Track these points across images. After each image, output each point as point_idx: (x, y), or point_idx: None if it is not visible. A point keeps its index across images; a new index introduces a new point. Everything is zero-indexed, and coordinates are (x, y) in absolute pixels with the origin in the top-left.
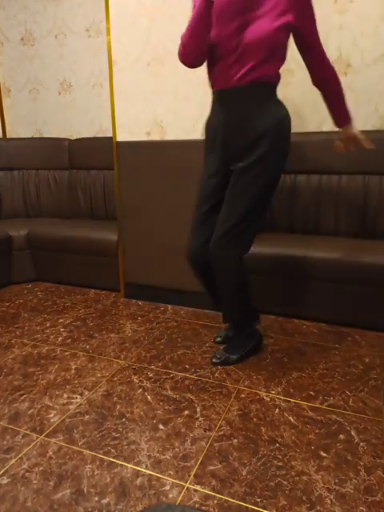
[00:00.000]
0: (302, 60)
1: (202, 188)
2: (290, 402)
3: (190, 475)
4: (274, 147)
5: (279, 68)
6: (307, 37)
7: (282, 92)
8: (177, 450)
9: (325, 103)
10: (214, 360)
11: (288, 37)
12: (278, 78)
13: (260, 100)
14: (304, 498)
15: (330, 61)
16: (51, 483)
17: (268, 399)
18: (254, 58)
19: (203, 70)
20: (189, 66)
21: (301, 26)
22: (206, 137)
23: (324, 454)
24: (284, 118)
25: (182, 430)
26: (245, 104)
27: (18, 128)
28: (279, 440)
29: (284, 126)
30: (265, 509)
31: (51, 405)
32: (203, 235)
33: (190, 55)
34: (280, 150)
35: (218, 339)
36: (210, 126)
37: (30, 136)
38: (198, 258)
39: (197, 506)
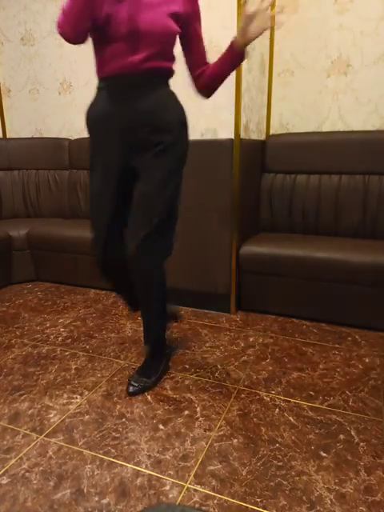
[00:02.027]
0: (301, 60)
1: (100, 185)
2: (289, 402)
3: (189, 475)
4: (183, 139)
5: (173, 63)
6: (195, 32)
7: (282, 92)
8: (177, 449)
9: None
10: (130, 389)
11: (179, 30)
12: (173, 72)
13: (162, 89)
14: (304, 498)
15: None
16: (51, 483)
17: (268, 399)
18: (150, 46)
19: None
20: (69, 41)
21: (192, 19)
22: (94, 127)
23: (324, 454)
24: (184, 111)
25: (182, 430)
26: (147, 92)
27: (18, 128)
28: (279, 440)
29: (186, 118)
30: (265, 509)
31: (51, 405)
32: (116, 236)
33: (71, 27)
34: (187, 141)
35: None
36: (99, 115)
37: (30, 136)
38: (111, 262)
39: (197, 506)
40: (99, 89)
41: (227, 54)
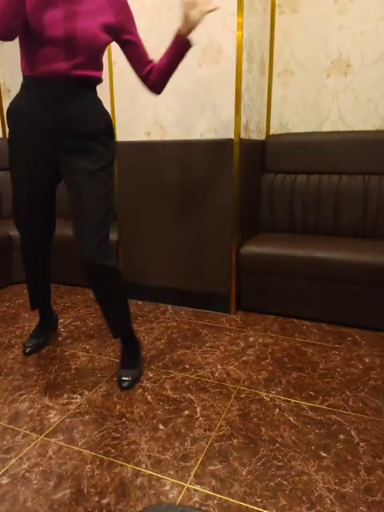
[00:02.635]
0: (301, 60)
1: (25, 179)
2: (290, 401)
3: (189, 475)
4: (108, 146)
5: (101, 71)
6: (132, 37)
7: (282, 92)
8: (177, 449)
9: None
10: (124, 384)
11: (110, 41)
12: (101, 80)
13: (88, 96)
14: (304, 498)
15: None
16: (51, 483)
17: (268, 399)
18: (81, 53)
19: (204, 70)
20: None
21: (126, 25)
22: (16, 127)
23: (324, 454)
24: (110, 118)
25: (182, 430)
26: (74, 99)
27: None
28: (279, 440)
29: (111, 126)
30: (265, 509)
31: (51, 405)
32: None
33: (2, 24)
34: (113, 149)
35: (28, 350)
36: (25, 114)
37: None
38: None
39: (197, 506)
40: (25, 87)
41: (173, 44)
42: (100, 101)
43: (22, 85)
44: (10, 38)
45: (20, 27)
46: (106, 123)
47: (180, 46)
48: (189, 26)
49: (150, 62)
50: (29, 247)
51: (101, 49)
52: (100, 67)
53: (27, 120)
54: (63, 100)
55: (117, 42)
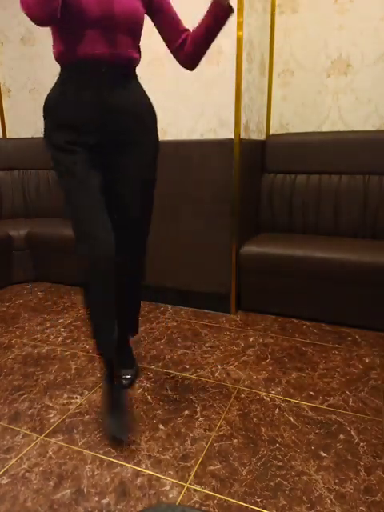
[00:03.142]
0: (301, 60)
1: (82, 182)
2: (290, 402)
3: (189, 475)
4: (157, 136)
5: (140, 53)
6: (169, 10)
7: (282, 92)
8: (177, 449)
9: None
10: (126, 382)
11: (145, 12)
12: (139, 62)
13: (135, 80)
14: (304, 498)
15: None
16: (51, 483)
17: (268, 399)
18: (123, 33)
19: (204, 70)
20: (39, 22)
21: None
22: (58, 118)
23: (324, 454)
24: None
25: (182, 430)
26: (121, 83)
27: (18, 128)
28: (279, 440)
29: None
30: (265, 509)
31: (51, 405)
32: (109, 236)
33: (40, 7)
34: (158, 138)
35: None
36: (68, 105)
37: (30, 136)
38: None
39: (197, 506)
40: (66, 76)
41: (211, 11)
42: (140, 84)
43: (61, 74)
44: (51, 22)
45: (59, 10)
46: (150, 110)
47: (219, 13)
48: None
49: (186, 31)
50: (101, 260)
51: (139, 23)
52: (139, 49)
53: (68, 113)
54: (109, 86)
55: (147, 13)
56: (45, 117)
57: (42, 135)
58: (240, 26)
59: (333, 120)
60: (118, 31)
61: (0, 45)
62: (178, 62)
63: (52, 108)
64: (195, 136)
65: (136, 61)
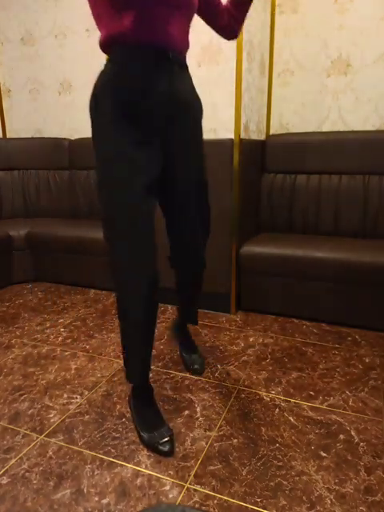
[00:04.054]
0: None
1: (136, 182)
2: (289, 402)
3: (189, 475)
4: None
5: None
6: None
7: (282, 92)
8: (177, 450)
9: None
10: (197, 367)
11: None
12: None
13: (187, 69)
14: (304, 497)
15: None
16: (51, 483)
17: (268, 399)
18: (184, 15)
19: (204, 70)
20: None
21: None
22: (119, 107)
23: (324, 454)
24: None
25: (182, 430)
26: (183, 73)
27: (18, 128)
28: (279, 440)
29: None
30: (265, 509)
31: (51, 405)
32: (153, 248)
33: None
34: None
35: (196, 367)
36: (131, 91)
37: (30, 136)
38: (156, 279)
39: (197, 506)
40: (118, 61)
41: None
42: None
43: (110, 60)
44: None
45: None
46: (200, 102)
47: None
48: None
49: (225, 9)
50: (143, 291)
51: (195, 7)
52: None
53: (129, 99)
54: (167, 75)
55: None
56: (95, 108)
57: (41, 135)
58: None
59: (333, 120)
60: (181, 14)
61: (0, 45)
62: (224, 37)
63: (109, 91)
64: None
65: (188, 47)
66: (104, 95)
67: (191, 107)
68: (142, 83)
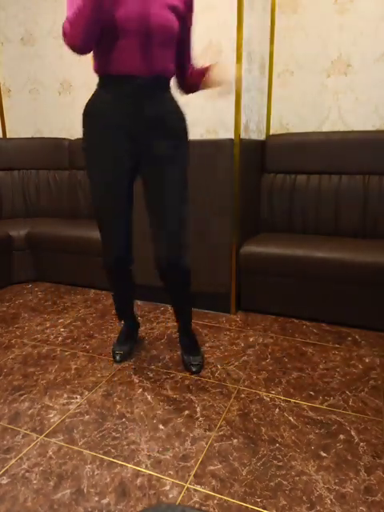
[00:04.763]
0: (301, 60)
1: (110, 189)
2: (289, 401)
3: (189, 475)
4: (187, 145)
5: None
6: (189, 31)
7: (282, 92)
8: (177, 449)
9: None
10: (194, 369)
11: (178, 25)
12: (173, 74)
13: (169, 93)
14: (304, 497)
15: None
16: (51, 483)
17: (268, 399)
18: (159, 45)
19: None
20: (78, 52)
21: (187, 19)
22: (93, 130)
23: (324, 454)
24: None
25: (182, 430)
26: (157, 96)
27: (18, 128)
28: (279, 440)
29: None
30: (265, 509)
31: (51, 405)
32: (126, 243)
33: (81, 40)
34: (188, 148)
35: (118, 357)
36: (105, 114)
37: (30, 136)
38: (124, 269)
39: (197, 506)
40: (103, 87)
41: (198, 74)
42: (174, 97)
43: (98, 85)
44: (90, 50)
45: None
46: (182, 122)
47: (193, 85)
48: (203, 85)
49: (189, 61)
50: (118, 258)
51: (174, 36)
52: (173, 60)
53: (105, 122)
54: (144, 98)
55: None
56: (84, 122)
57: (41, 135)
58: (240, 26)
59: (333, 120)
60: (154, 44)
61: (0, 45)
62: (178, 87)
63: (92, 114)
64: (195, 136)
65: (171, 73)
66: (86, 114)
67: (164, 127)
68: (103, 108)
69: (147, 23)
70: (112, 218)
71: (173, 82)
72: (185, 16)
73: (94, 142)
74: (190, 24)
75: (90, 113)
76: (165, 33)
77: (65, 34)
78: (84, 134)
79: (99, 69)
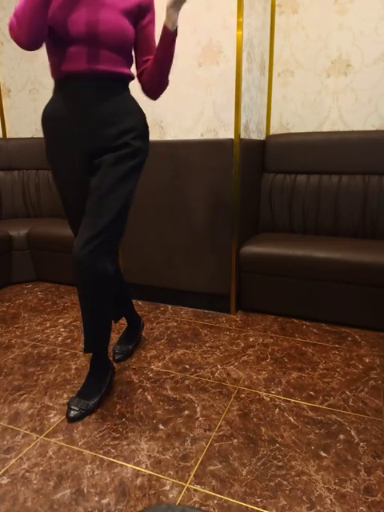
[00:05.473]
0: (301, 60)
1: (71, 193)
2: (290, 402)
3: (189, 475)
4: (142, 146)
5: (131, 67)
6: (149, 33)
7: (282, 92)
8: (177, 449)
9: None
10: (71, 414)
11: (134, 30)
12: (132, 77)
13: (121, 94)
14: (304, 497)
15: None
16: (51, 483)
17: (268, 399)
18: (107, 49)
19: (204, 70)
20: (24, 47)
21: (144, 13)
22: (53, 129)
23: (324, 454)
24: (145, 117)
25: (182, 430)
26: (106, 97)
27: (18, 128)
28: (279, 440)
29: (147, 125)
30: (265, 509)
31: (51, 405)
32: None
33: (26, 35)
34: (147, 150)
35: (117, 357)
36: (58, 118)
37: (30, 136)
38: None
39: (197, 506)
40: (56, 90)
41: (160, 37)
42: (133, 99)
43: (53, 89)
44: (36, 48)
45: (47, 33)
46: (136, 122)
47: (163, 38)
48: (168, 15)
49: (148, 61)
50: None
51: (128, 41)
52: (129, 63)
53: (57, 125)
54: (93, 100)
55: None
56: (42, 129)
57: (41, 135)
58: (240, 26)
59: (333, 120)
60: (104, 48)
61: (0, 45)
62: (141, 87)
63: (46, 119)
64: (195, 136)
65: (126, 77)
66: (41, 120)
67: (113, 125)
68: (56, 112)
69: (95, 29)
70: (78, 217)
71: (134, 86)
72: (142, 18)
73: (51, 148)
74: (151, 25)
75: (44, 118)
76: (117, 39)
77: (11, 29)
78: (44, 140)
79: (52, 73)
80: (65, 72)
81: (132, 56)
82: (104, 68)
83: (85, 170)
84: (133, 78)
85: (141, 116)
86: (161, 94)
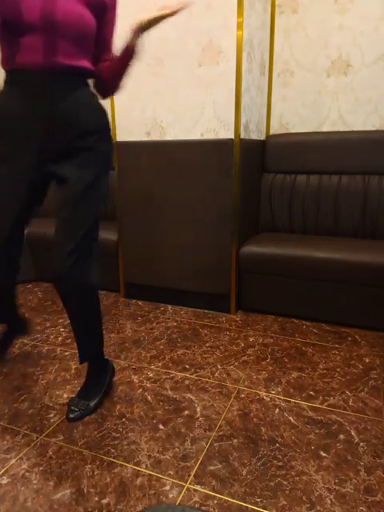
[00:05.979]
0: (301, 60)
1: (6, 186)
2: (290, 402)
3: (189, 475)
4: (107, 143)
5: (91, 61)
6: (109, 29)
7: (281, 92)
8: (177, 449)
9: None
10: (70, 415)
11: (94, 22)
12: (92, 72)
13: (80, 90)
14: (304, 497)
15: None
16: (51, 483)
17: (268, 399)
18: (65, 41)
19: (204, 70)
20: None
21: (106, 6)
22: (2, 126)
23: (324, 454)
24: (106, 113)
25: (182, 430)
26: (65, 93)
27: None
28: (279, 440)
29: (108, 120)
30: (265, 509)
31: (51, 405)
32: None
33: None
34: (111, 145)
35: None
36: (9, 113)
37: None
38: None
39: (197, 506)
40: (5, 83)
41: (122, 51)
42: (94, 95)
43: (4, 80)
44: None
45: None
46: (98, 121)
47: (126, 52)
48: (132, 34)
49: (106, 60)
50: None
51: (88, 32)
52: (89, 57)
53: (7, 120)
54: (51, 95)
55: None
56: None
57: None
58: (240, 26)
59: (333, 120)
60: (62, 39)
61: None
62: (94, 86)
63: None
64: (195, 136)
65: (85, 71)
66: None
67: (73, 122)
68: (5, 106)
69: (52, 18)
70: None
71: (91, 82)
72: (104, 14)
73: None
74: (112, 22)
75: None
76: (76, 30)
77: None
78: None
79: (4, 63)
80: (18, 64)
81: (92, 50)
82: (63, 61)
83: (32, 171)
84: (94, 73)
85: (102, 114)
86: (112, 95)
